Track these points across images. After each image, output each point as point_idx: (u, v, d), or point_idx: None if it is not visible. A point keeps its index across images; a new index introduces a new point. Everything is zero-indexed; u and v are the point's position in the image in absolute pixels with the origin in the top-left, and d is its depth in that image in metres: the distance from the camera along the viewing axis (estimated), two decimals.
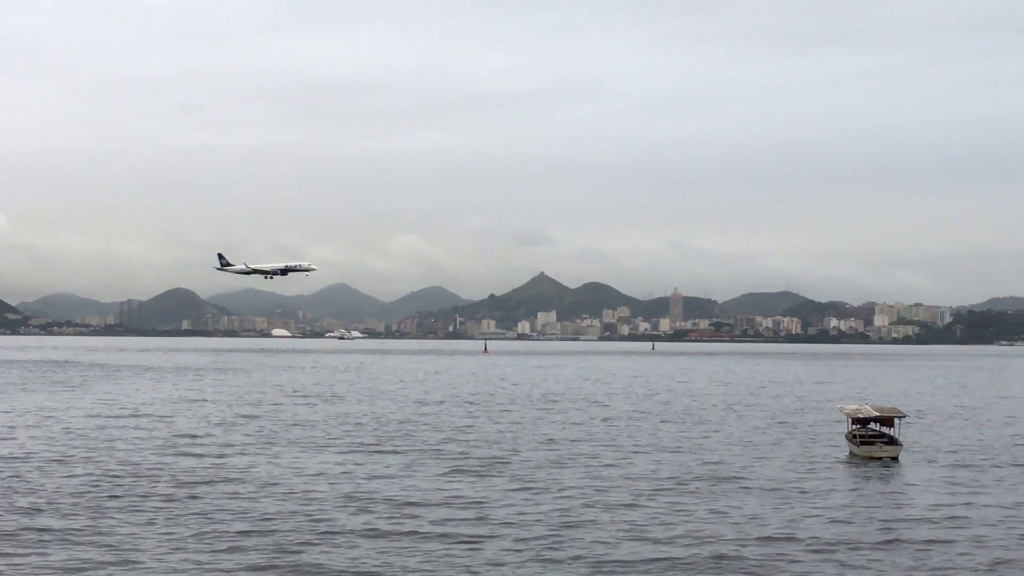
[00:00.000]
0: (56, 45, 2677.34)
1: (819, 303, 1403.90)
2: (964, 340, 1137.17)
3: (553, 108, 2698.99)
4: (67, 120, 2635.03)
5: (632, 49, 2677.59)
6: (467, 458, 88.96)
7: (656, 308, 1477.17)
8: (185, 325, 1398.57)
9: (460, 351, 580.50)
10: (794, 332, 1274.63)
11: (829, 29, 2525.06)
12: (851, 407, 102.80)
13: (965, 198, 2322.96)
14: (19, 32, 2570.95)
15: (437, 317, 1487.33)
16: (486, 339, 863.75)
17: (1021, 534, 59.29)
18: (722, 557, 53.22)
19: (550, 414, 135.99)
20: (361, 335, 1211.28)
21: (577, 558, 52.53)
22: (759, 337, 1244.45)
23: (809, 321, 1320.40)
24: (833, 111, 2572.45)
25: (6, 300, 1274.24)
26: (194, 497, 67.35)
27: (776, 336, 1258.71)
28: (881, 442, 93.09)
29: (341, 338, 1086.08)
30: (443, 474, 79.55)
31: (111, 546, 53.93)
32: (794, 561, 52.82)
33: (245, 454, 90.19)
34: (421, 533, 57.69)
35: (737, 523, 61.24)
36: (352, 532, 57.76)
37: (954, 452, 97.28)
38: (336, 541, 55.68)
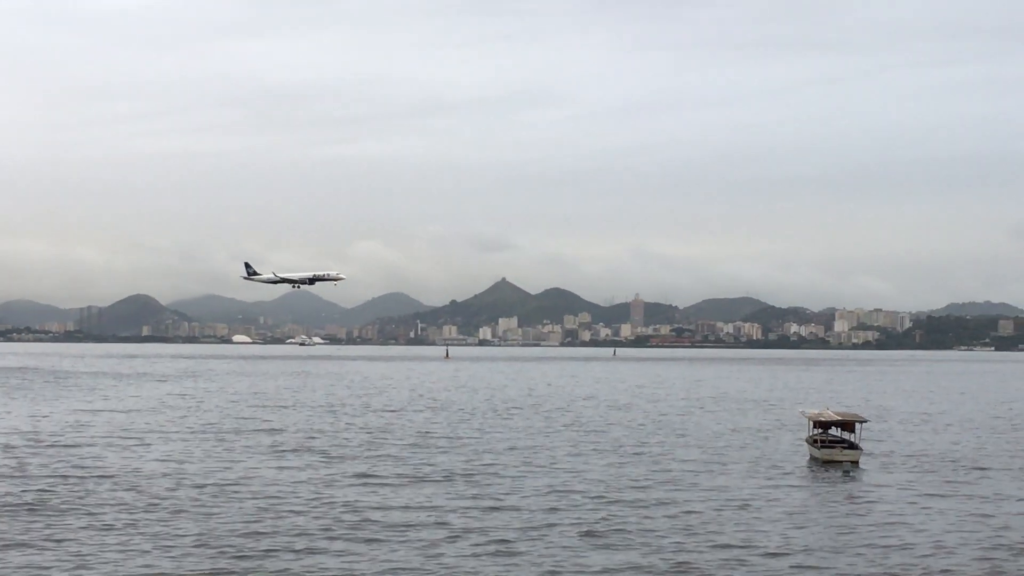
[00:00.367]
0: (17, 51, 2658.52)
1: (780, 309, 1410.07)
2: (923, 345, 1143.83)
3: (514, 114, 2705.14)
4: (27, 125, 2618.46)
5: (592, 55, 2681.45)
6: (428, 465, 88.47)
7: (617, 314, 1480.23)
8: (145, 331, 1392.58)
9: (422, 357, 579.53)
10: (755, 338, 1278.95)
11: (788, 36, 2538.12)
12: (813, 411, 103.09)
13: (924, 204, 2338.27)
14: None
15: (398, 323, 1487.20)
16: (448, 345, 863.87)
17: (977, 540, 59.17)
18: (681, 564, 53.01)
19: (510, 420, 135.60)
20: (322, 341, 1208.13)
21: (535, 565, 52.21)
22: (720, 343, 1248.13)
23: (770, 327, 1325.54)
24: (793, 117, 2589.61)
25: None
26: (153, 504, 66.57)
27: (737, 342, 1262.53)
28: (842, 447, 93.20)
29: (302, 344, 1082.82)
30: (403, 481, 79.01)
31: (68, 552, 53.22)
32: (751, 566, 52.64)
33: (203, 460, 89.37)
34: (380, 540, 57.16)
35: (695, 529, 60.99)
36: (312, 537, 57.25)
37: (914, 457, 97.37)
38: (296, 547, 55.14)
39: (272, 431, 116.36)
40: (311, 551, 54.33)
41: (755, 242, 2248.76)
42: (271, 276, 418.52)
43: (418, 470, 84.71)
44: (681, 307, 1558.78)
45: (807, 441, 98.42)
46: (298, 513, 64.20)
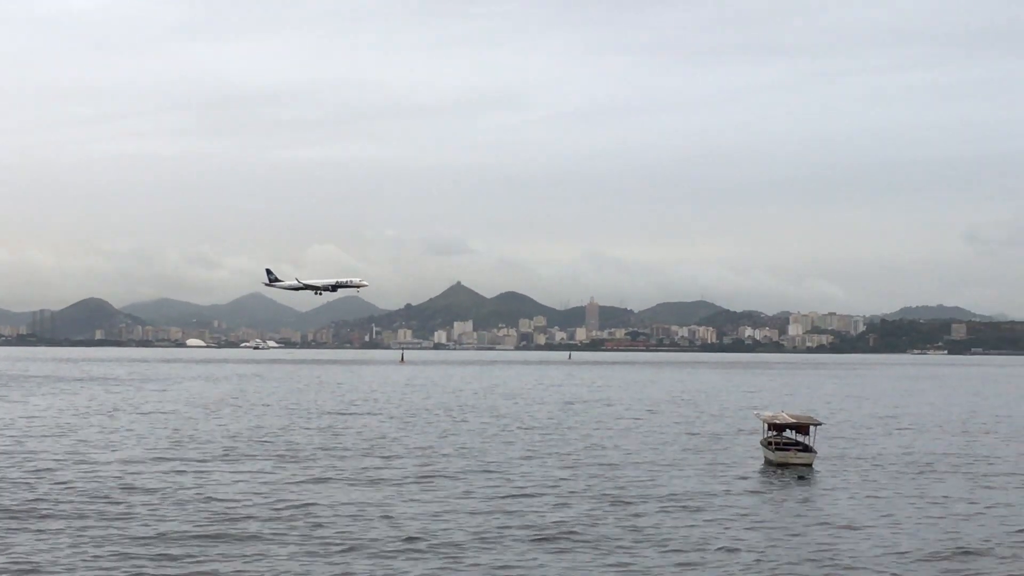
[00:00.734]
0: None
1: (734, 312, 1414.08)
2: (877, 349, 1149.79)
3: (471, 118, 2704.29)
4: None
5: (550, 60, 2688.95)
6: (386, 468, 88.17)
7: (572, 317, 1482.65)
8: (99, 335, 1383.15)
9: (377, 361, 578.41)
10: (710, 341, 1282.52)
11: (745, 41, 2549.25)
12: (768, 414, 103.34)
13: (878, 208, 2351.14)
14: None
15: (353, 327, 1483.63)
16: (403, 349, 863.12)
17: (928, 542, 59.39)
18: (633, 566, 52.95)
19: (465, 424, 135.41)
20: (277, 345, 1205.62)
21: (486, 569, 52.13)
22: (675, 346, 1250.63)
23: (724, 330, 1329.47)
24: (749, 122, 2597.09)
25: None
26: (102, 512, 65.84)
27: (692, 345, 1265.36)
28: (796, 449, 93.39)
29: (256, 348, 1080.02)
30: (355, 484, 78.64)
31: (14, 560, 52.62)
32: (703, 567, 52.70)
33: (156, 466, 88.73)
34: (335, 543, 56.91)
35: (648, 531, 60.98)
36: (261, 541, 56.91)
37: (867, 460, 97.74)
38: (245, 552, 54.78)
39: (225, 435, 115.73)
40: (262, 555, 54.02)
41: (710, 246, 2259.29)
42: (294, 283, 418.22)
43: (371, 473, 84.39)
44: (636, 311, 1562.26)
45: (762, 444, 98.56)
46: (247, 518, 63.74)
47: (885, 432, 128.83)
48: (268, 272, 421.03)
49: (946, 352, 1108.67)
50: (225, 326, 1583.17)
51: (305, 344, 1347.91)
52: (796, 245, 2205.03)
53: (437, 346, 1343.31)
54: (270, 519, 63.43)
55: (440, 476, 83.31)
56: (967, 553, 56.37)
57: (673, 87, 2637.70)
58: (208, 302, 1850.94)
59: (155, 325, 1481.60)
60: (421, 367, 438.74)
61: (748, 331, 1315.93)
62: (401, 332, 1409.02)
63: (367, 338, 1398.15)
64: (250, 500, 70.36)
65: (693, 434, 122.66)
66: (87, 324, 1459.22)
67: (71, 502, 68.43)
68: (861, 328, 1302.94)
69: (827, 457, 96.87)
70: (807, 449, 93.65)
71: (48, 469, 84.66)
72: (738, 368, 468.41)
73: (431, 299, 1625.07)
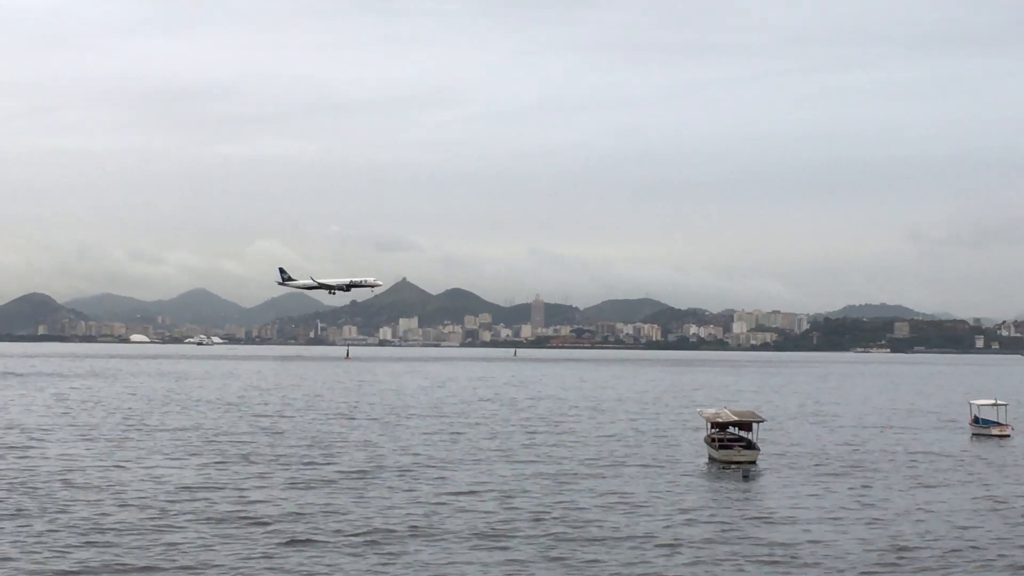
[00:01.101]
0: None
1: (679, 310, 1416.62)
2: (820, 347, 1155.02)
3: (413, 115, 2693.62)
4: None
5: (490, 57, 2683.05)
6: (326, 465, 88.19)
7: (518, 315, 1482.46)
8: (41, 330, 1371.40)
9: (322, 357, 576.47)
10: (654, 339, 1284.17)
11: (685, 39, 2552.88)
12: (710, 411, 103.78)
13: (821, 207, 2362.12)
14: None
15: (298, 323, 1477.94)
16: (348, 345, 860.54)
17: (865, 538, 59.94)
18: (566, 559, 53.30)
19: (409, 421, 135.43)
20: (221, 341, 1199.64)
21: (426, 566, 52.21)
22: (620, 343, 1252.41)
23: (669, 328, 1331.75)
24: (691, 121, 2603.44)
25: None
26: (43, 507, 65.64)
27: (637, 342, 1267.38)
28: (740, 446, 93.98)
29: (200, 344, 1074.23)
30: (295, 484, 78.62)
31: None
32: (642, 564, 53.02)
33: (95, 462, 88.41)
34: (274, 541, 56.93)
35: (591, 528, 61.29)
36: (202, 536, 56.91)
37: (809, 456, 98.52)
38: (184, 549, 54.71)
39: (167, 432, 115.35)
40: (204, 549, 54.05)
41: (655, 244, 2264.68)
42: (308, 282, 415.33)
43: (311, 472, 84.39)
44: (581, 308, 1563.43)
45: (706, 441, 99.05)
46: (186, 512, 63.73)
47: (828, 429, 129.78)
48: (281, 271, 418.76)
49: (889, 350, 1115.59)
50: (169, 321, 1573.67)
51: (250, 340, 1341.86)
52: (741, 243, 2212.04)
53: (383, 342, 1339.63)
54: (209, 514, 63.49)
55: (383, 472, 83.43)
56: (905, 549, 56.93)
57: (614, 85, 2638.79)
58: (152, 297, 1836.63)
59: (99, 320, 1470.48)
60: (366, 363, 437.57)
61: (693, 329, 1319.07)
62: (346, 328, 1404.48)
63: (312, 334, 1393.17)
64: (190, 495, 70.38)
65: (638, 432, 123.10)
66: (30, 319, 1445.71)
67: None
68: (805, 326, 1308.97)
69: (770, 454, 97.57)
70: (751, 446, 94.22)
71: None
72: (683, 366, 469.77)
73: (376, 296, 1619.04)
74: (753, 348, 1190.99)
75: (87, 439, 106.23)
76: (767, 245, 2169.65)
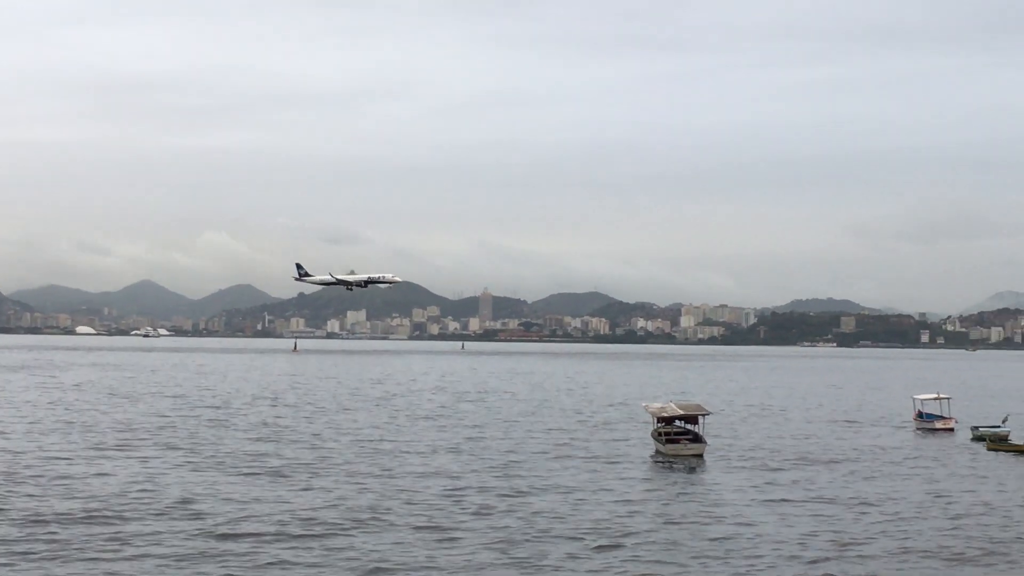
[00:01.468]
0: None
1: (627, 304, 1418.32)
2: (768, 341, 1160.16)
3: (363, 108, 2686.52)
4: None
5: (442, 50, 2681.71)
6: (271, 457, 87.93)
7: (466, 308, 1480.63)
8: None
9: (269, 349, 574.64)
10: (602, 332, 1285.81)
11: (638, 34, 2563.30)
12: (656, 405, 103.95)
13: (770, 202, 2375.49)
14: None
15: (246, 315, 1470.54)
16: (296, 338, 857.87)
17: (807, 531, 60.25)
18: (509, 553, 53.44)
19: (356, 413, 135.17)
20: (168, 333, 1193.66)
21: (364, 558, 52.15)
22: (568, 337, 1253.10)
23: (617, 321, 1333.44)
24: (641, 115, 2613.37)
25: None
26: None
27: (584, 336, 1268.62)
28: (686, 439, 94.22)
29: (146, 336, 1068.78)
30: (240, 476, 78.30)
31: None
32: (582, 559, 53.04)
33: (40, 455, 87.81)
34: (212, 533, 56.69)
35: (535, 522, 61.31)
36: (140, 533, 56.48)
37: (756, 449, 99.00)
38: (135, 545, 54.24)
39: (109, 424, 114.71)
40: (145, 542, 53.74)
41: (603, 237, 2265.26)
42: (326, 278, 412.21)
43: (256, 463, 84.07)
44: (530, 301, 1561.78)
45: (653, 436, 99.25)
46: (127, 506, 63.36)
47: (774, 423, 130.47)
48: (298, 266, 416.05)
49: (835, 344, 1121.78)
50: (116, 313, 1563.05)
51: (197, 332, 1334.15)
52: (689, 238, 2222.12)
53: (330, 335, 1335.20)
54: (152, 506, 63.16)
55: (328, 464, 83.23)
56: (848, 543, 57.17)
57: (563, 79, 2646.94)
58: (99, 289, 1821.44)
59: (44, 312, 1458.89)
60: (314, 356, 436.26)
61: (640, 322, 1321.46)
62: (294, 321, 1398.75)
63: (259, 327, 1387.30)
64: (133, 487, 69.98)
65: (584, 425, 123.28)
66: None
67: None
68: (752, 320, 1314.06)
69: (717, 447, 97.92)
70: (697, 439, 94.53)
71: None
72: (630, 359, 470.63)
73: (324, 288, 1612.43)
74: (700, 342, 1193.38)
75: (29, 433, 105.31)
76: (715, 239, 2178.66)
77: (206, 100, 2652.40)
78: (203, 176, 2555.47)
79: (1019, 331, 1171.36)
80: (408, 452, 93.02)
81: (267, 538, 55.82)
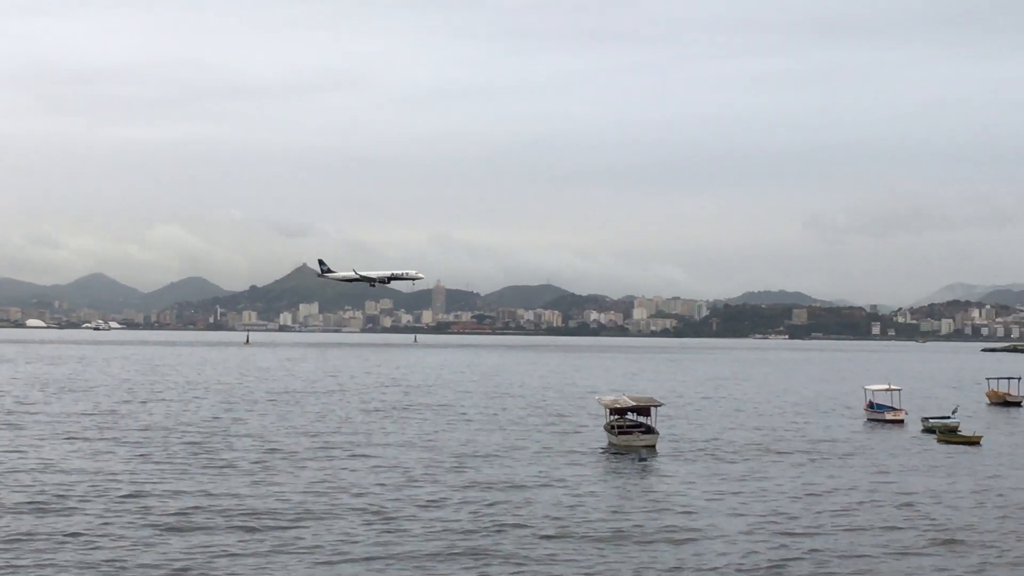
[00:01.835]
0: None
1: (580, 296, 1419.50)
2: (720, 333, 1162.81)
3: (317, 100, 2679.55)
4: None
5: (396, 42, 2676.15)
6: (219, 450, 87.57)
7: (419, 300, 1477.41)
8: None
9: (222, 342, 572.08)
10: (555, 325, 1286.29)
11: (593, 25, 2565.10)
12: (609, 398, 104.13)
13: (722, 195, 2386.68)
14: None
15: (197, 308, 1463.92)
16: (248, 331, 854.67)
17: (755, 521, 60.59)
18: (459, 545, 53.49)
19: (310, 405, 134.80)
20: (119, 326, 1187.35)
21: (310, 552, 51.98)
22: (521, 329, 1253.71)
23: (570, 314, 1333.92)
24: (596, 107, 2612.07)
25: None
26: None
27: (537, 329, 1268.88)
28: (639, 431, 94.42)
29: (96, 329, 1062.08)
30: (191, 469, 77.93)
31: None
32: (530, 548, 53.22)
33: None
34: (159, 525, 56.59)
35: (482, 513, 61.50)
36: (85, 525, 56.19)
37: (708, 441, 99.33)
38: (73, 532, 54.14)
39: (59, 416, 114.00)
40: (94, 534, 53.41)
41: (556, 230, 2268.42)
42: (349, 274, 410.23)
43: (206, 456, 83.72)
44: (483, 294, 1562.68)
45: (605, 428, 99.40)
46: (76, 497, 63.05)
47: (726, 414, 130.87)
48: (320, 263, 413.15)
49: (787, 336, 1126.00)
50: (67, 306, 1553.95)
51: (148, 325, 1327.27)
52: (641, 230, 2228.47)
53: (283, 328, 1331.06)
54: (100, 498, 63.01)
55: (276, 457, 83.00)
56: (796, 533, 57.41)
57: (516, 71, 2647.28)
58: (49, 282, 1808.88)
59: None
60: (267, 349, 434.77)
61: (593, 315, 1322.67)
62: (246, 314, 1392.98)
63: (211, 319, 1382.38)
64: (80, 479, 69.65)
65: (537, 418, 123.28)
66: None
67: None
68: (704, 312, 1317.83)
69: (669, 438, 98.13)
70: (650, 431, 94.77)
71: None
72: (583, 352, 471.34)
73: (276, 280, 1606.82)
74: (653, 334, 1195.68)
75: None
76: (668, 232, 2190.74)
77: (159, 92, 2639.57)
78: (155, 169, 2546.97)
79: (969, 323, 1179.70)
80: (360, 445, 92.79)
81: (217, 531, 55.61)
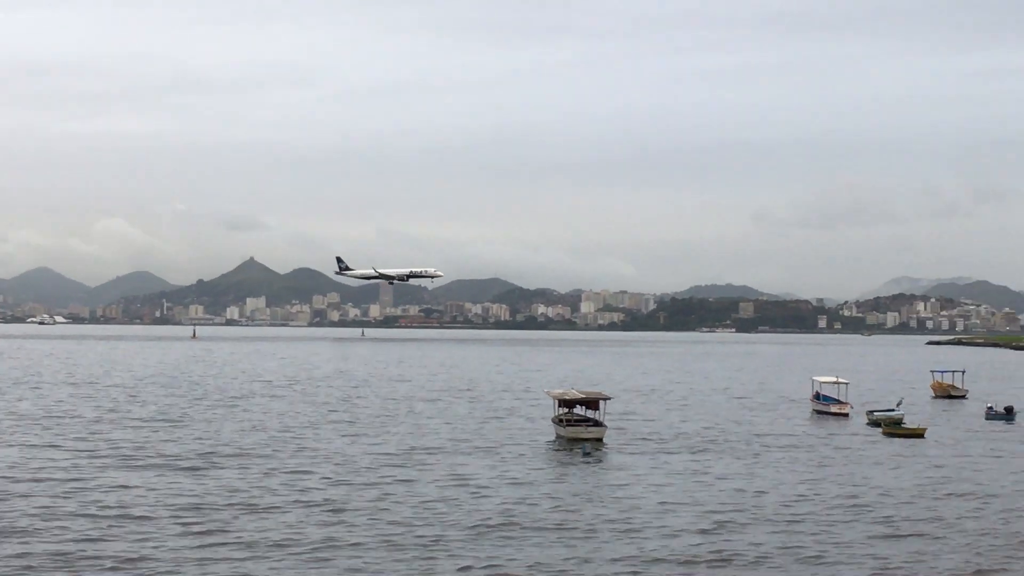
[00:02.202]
0: None
1: (527, 290, 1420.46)
2: (668, 327, 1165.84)
3: (264, 94, 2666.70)
4: None
5: (346, 35, 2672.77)
6: (170, 443, 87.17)
7: (366, 294, 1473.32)
8: None
9: (168, 337, 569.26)
10: (503, 318, 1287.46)
11: (545, 20, 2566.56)
12: (558, 391, 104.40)
13: (669, 189, 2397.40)
14: None
15: (144, 302, 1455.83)
16: (194, 325, 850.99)
17: (697, 513, 61.00)
18: (404, 536, 53.74)
19: (254, 400, 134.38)
20: (65, 320, 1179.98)
21: (253, 545, 51.94)
22: (468, 323, 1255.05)
23: (517, 308, 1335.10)
24: (545, 102, 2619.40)
25: None
26: None
27: (485, 322, 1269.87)
28: (587, 424, 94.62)
29: (42, 323, 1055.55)
30: (133, 464, 77.58)
31: None
32: (483, 542, 53.31)
33: None
34: (101, 516, 56.34)
35: (432, 508, 61.51)
36: (27, 520, 55.81)
37: (654, 434, 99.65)
38: (16, 526, 53.73)
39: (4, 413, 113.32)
40: (37, 527, 53.22)
41: (503, 224, 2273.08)
42: (368, 272, 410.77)
43: (150, 451, 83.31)
44: (430, 288, 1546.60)
45: (553, 420, 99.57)
46: (18, 495, 62.70)
47: (672, 407, 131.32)
48: (339, 260, 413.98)
49: (734, 330, 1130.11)
50: (11, 300, 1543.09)
51: (94, 320, 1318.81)
52: (588, 224, 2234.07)
53: (229, 322, 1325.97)
54: (44, 493, 62.58)
55: (223, 453, 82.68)
56: (737, 524, 57.75)
57: (463, 65, 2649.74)
58: None
59: None
60: (214, 343, 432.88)
61: (541, 308, 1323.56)
62: (193, 308, 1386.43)
63: (158, 314, 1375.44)
64: (23, 474, 69.24)
65: (485, 411, 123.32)
66: None
67: None
68: (652, 306, 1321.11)
69: (617, 431, 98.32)
70: (598, 424, 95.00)
71: None
72: (531, 345, 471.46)
73: (223, 275, 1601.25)
74: (601, 328, 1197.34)
75: None
76: (615, 225, 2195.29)
77: (103, 85, 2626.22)
78: (99, 162, 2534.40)
79: (914, 316, 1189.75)
80: (305, 439, 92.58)
81: (161, 522, 55.49)
